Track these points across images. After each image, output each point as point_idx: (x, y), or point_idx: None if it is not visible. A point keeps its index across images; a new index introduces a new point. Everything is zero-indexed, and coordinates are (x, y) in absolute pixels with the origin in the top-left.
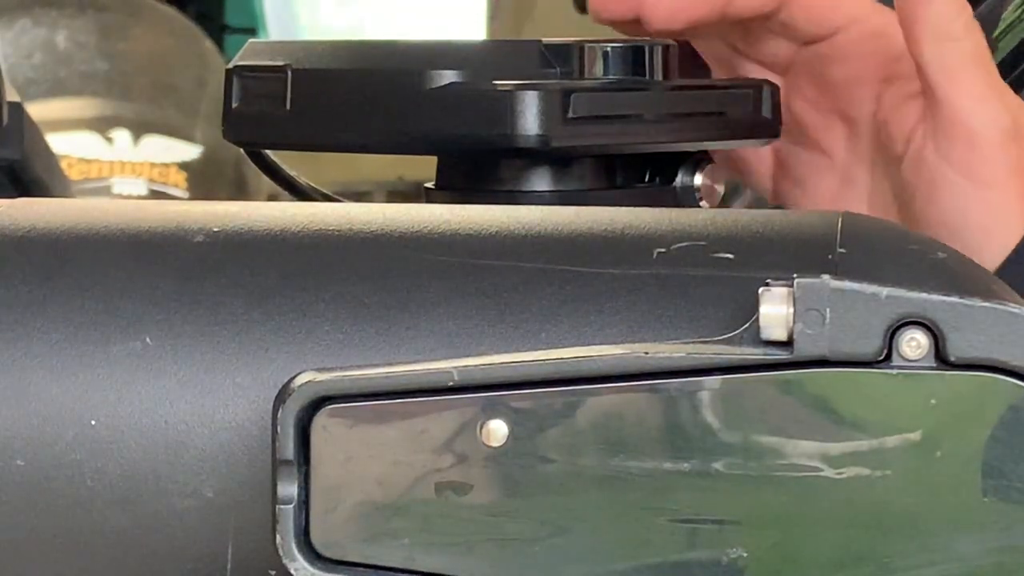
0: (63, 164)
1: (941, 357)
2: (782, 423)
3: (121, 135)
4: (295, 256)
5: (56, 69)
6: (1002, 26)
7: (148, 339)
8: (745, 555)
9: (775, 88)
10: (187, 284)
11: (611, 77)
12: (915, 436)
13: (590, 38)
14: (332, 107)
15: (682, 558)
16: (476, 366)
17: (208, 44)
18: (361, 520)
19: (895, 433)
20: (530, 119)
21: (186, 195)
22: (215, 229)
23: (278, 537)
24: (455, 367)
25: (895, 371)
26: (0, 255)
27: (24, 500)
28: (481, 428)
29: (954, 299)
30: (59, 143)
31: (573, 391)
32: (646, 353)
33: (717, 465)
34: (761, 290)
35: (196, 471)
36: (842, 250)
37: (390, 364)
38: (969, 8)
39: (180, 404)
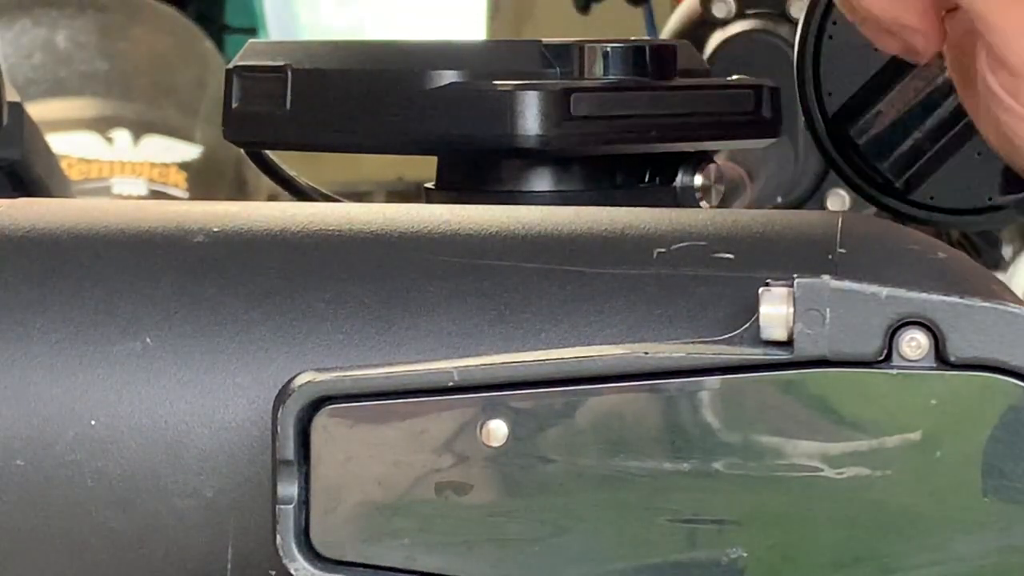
0: (63, 164)
1: (941, 357)
2: (782, 423)
3: (121, 135)
4: (295, 256)
5: (56, 69)
6: None
7: (148, 339)
8: (745, 555)
9: (775, 88)
10: (187, 284)
11: (611, 77)
12: (915, 436)
13: (590, 38)
14: (332, 107)
15: (682, 558)
16: (476, 366)
17: (208, 44)
18: (361, 520)
19: (895, 433)
20: (530, 119)
21: (186, 195)
22: (215, 229)
23: (278, 537)
24: (455, 367)
25: (895, 371)
26: (0, 255)
27: (24, 500)
28: (481, 428)
29: (954, 299)
30: (59, 143)
31: (573, 391)
32: (646, 353)
33: (717, 465)
34: (761, 290)
35: (196, 471)
36: (842, 250)
37: (390, 364)
38: None
39: (180, 404)
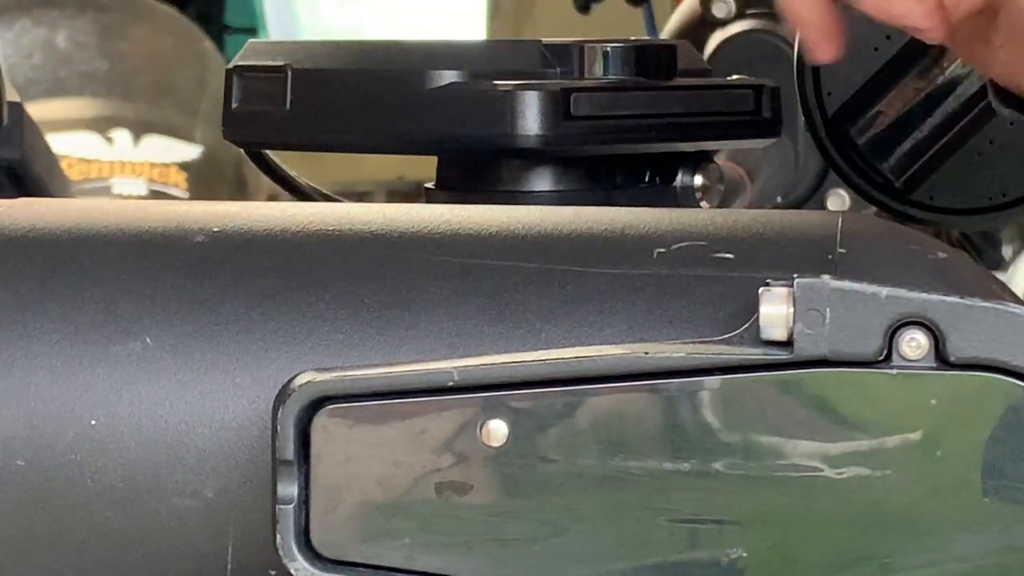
0: (63, 164)
1: (941, 357)
2: (782, 423)
3: (121, 135)
4: (295, 256)
5: (56, 69)
6: None
7: (148, 339)
8: (745, 555)
9: (775, 88)
10: (187, 284)
11: (611, 77)
12: (915, 436)
13: (590, 38)
14: (332, 107)
15: (682, 558)
16: (476, 366)
17: (208, 44)
18: (361, 520)
19: (895, 433)
20: (530, 119)
21: (186, 195)
22: (215, 229)
23: (278, 537)
24: (455, 367)
25: (895, 371)
26: (0, 255)
27: (24, 500)
28: (481, 428)
29: (954, 299)
30: (59, 143)
31: (573, 391)
32: (646, 353)
33: (717, 465)
34: (761, 290)
35: (196, 471)
36: (842, 250)
37: (390, 364)
38: None
39: (180, 404)
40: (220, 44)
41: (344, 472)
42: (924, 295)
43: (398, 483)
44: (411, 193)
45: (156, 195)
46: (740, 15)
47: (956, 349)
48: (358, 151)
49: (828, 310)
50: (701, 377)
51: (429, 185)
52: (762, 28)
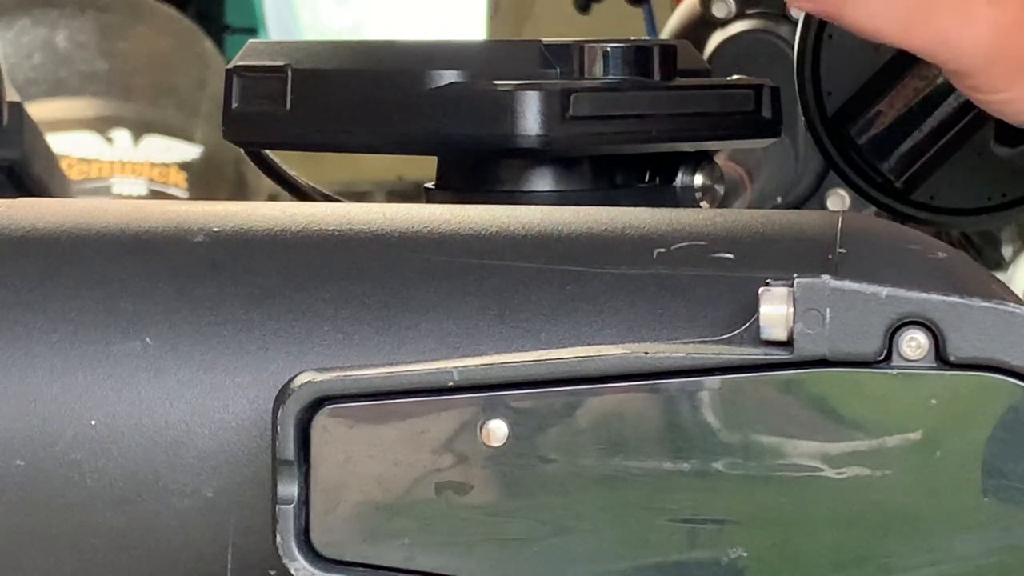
0: (63, 164)
1: (941, 357)
2: (782, 423)
3: (121, 135)
4: (295, 256)
5: (56, 69)
6: None
7: (148, 339)
8: (745, 555)
9: (775, 88)
10: (187, 284)
11: (611, 77)
12: (915, 436)
13: (590, 38)
14: (332, 107)
15: (682, 558)
16: (476, 366)
17: (208, 44)
18: (361, 520)
19: (895, 433)
20: (530, 119)
21: (186, 195)
22: (215, 229)
23: (278, 537)
24: (455, 367)
25: (895, 371)
26: (0, 255)
27: (24, 500)
28: (481, 428)
29: (954, 299)
30: (59, 143)
31: (573, 391)
32: (646, 353)
33: (717, 465)
34: (761, 290)
35: (196, 471)
36: (842, 250)
37: (390, 364)
38: None
39: (180, 404)
40: (220, 44)
41: (344, 472)
42: (924, 295)
43: (398, 483)
44: (411, 193)
45: (156, 195)
46: (740, 15)
47: (956, 349)
48: (358, 151)
49: (828, 310)
50: (701, 377)
51: (429, 185)
52: (762, 28)
